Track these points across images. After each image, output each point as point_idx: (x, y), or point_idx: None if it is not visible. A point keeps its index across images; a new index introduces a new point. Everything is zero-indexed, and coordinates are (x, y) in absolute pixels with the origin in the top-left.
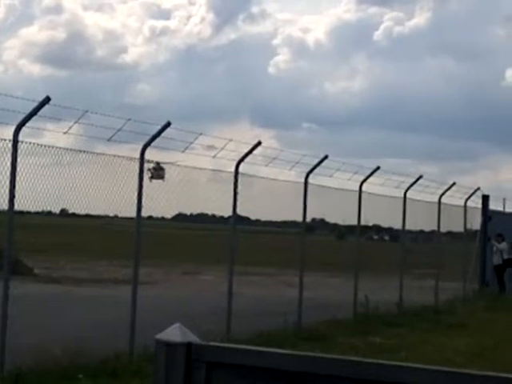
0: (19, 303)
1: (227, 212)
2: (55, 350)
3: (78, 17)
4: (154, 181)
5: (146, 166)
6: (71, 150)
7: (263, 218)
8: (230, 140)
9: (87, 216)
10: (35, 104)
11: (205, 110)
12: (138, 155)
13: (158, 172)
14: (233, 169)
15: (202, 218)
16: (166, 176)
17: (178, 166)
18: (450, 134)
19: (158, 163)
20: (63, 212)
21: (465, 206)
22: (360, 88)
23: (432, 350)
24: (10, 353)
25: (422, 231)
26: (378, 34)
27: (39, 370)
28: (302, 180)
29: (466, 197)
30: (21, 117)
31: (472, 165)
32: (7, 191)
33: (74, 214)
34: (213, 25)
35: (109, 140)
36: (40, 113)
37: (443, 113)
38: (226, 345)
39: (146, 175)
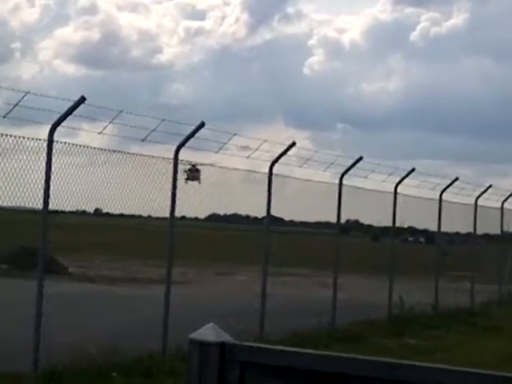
0: (54, 302)
1: (261, 213)
2: (90, 349)
3: (113, 17)
4: (189, 182)
5: (181, 167)
6: (105, 150)
7: (297, 219)
8: (265, 141)
9: (121, 216)
10: (70, 104)
11: (239, 110)
12: (172, 156)
13: (194, 174)
14: (267, 169)
15: (235, 218)
16: (201, 177)
17: (213, 166)
18: (487, 136)
19: (193, 165)
20: (97, 211)
21: (502, 208)
22: (395, 89)
23: (467, 353)
24: (45, 351)
25: (457, 233)
26: (414, 35)
27: (73, 368)
28: (337, 181)
29: (503, 199)
30: (56, 116)
31: (509, 166)
32: (42, 191)
33: (107, 214)
34: (247, 25)
35: (143, 140)
36: (75, 113)
37: (480, 114)
38: (260, 345)
39: (182, 177)
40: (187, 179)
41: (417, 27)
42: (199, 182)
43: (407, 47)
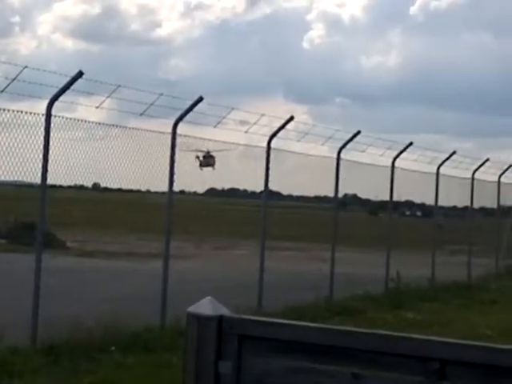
0: (52, 276)
1: (259, 187)
2: (88, 323)
3: None
4: (204, 169)
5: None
6: (104, 124)
7: (295, 193)
8: (263, 115)
9: (119, 190)
10: (68, 78)
11: (238, 84)
12: (170, 130)
13: (208, 160)
14: (265, 144)
15: (233, 192)
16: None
17: (228, 151)
18: (485, 110)
19: (208, 152)
20: (95, 186)
21: (498, 181)
22: (395, 63)
23: (464, 326)
24: (43, 325)
25: (454, 207)
26: (414, 9)
27: (72, 342)
28: (335, 155)
29: (500, 173)
30: (54, 91)
31: (507, 140)
32: (40, 165)
33: (106, 189)
34: None
35: (141, 115)
36: (73, 87)
37: (478, 88)
38: (258, 318)
39: (195, 163)
40: (201, 165)
41: (416, 1)
42: (213, 168)
43: (407, 21)
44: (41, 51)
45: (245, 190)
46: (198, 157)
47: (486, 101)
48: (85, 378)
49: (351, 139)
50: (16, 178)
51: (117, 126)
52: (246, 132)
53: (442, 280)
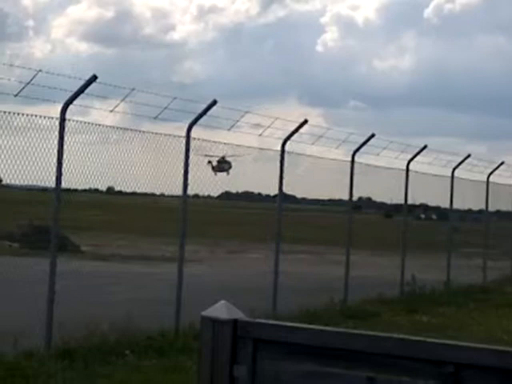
0: (66, 280)
1: (273, 190)
2: (103, 327)
3: None
4: (218, 174)
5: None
6: (118, 128)
7: (309, 197)
8: (277, 118)
9: (133, 194)
10: (82, 82)
11: (252, 88)
12: (184, 133)
13: (221, 165)
14: (279, 147)
15: (247, 196)
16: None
17: (241, 156)
18: (500, 113)
19: (223, 157)
20: (110, 190)
21: None
22: (409, 66)
23: (479, 330)
24: (58, 329)
25: (469, 210)
26: (428, 12)
27: (86, 346)
28: (349, 158)
29: None
30: (68, 95)
31: None
32: (54, 169)
33: (120, 192)
34: (260, 2)
35: (155, 118)
36: (87, 91)
37: (493, 91)
38: (273, 322)
39: (209, 168)
40: (214, 169)
41: (431, 4)
42: (227, 174)
43: (421, 24)
44: (55, 55)
45: (259, 194)
46: (210, 162)
47: (500, 103)
48: (100, 381)
49: (365, 142)
50: (30, 182)
51: (131, 130)
52: (260, 135)
53: (458, 283)
